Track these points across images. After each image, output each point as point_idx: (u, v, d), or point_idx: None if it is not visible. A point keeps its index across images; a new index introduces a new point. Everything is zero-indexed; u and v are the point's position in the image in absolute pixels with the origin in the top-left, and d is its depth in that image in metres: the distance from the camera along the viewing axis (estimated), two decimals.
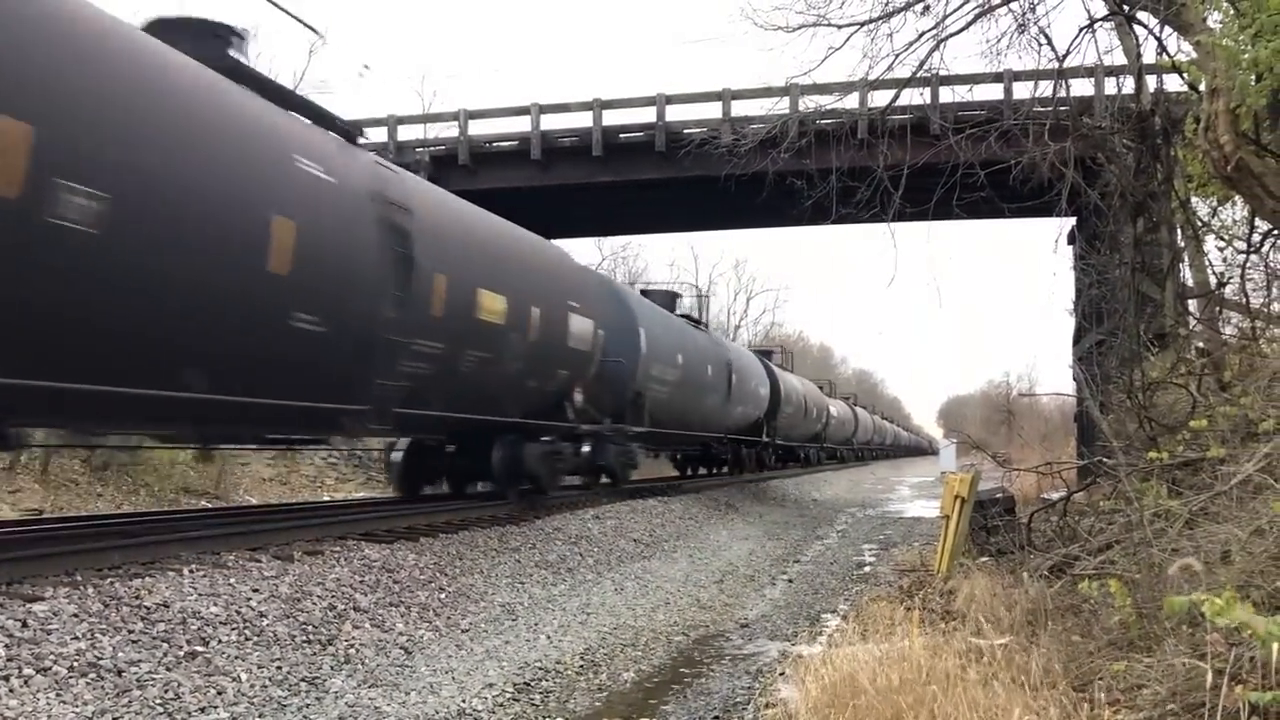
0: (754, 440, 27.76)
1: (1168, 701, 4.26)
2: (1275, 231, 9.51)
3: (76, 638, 5.47)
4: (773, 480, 28.30)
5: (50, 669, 5.10)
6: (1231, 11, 8.20)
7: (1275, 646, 3.41)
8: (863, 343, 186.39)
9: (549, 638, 7.98)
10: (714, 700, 6.33)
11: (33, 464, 15.44)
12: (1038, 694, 4.54)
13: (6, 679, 4.89)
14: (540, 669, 6.97)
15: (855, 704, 4.43)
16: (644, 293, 20.83)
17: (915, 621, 6.03)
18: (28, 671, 5.00)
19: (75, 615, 5.67)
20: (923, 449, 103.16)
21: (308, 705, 5.77)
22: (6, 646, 5.11)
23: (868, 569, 12.62)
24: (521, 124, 21.73)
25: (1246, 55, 7.65)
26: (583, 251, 54.43)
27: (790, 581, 11.75)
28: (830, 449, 45.45)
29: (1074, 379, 16.25)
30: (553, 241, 16.02)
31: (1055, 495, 11.35)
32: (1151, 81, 12.82)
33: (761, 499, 23.30)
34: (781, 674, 6.75)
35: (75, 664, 5.24)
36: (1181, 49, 10.52)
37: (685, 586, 11.02)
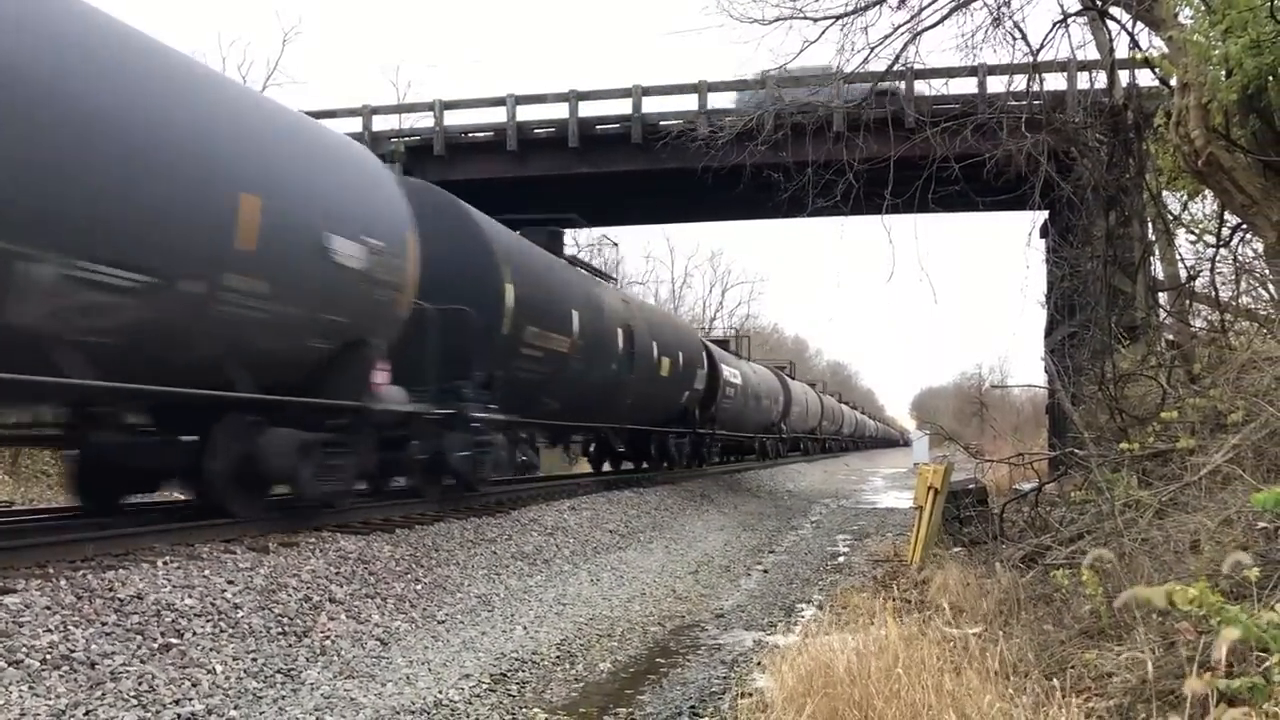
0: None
1: (1138, 689, 4.32)
2: (1244, 226, 9.63)
3: (49, 630, 5.42)
4: (748, 471, 28.39)
5: (23, 662, 5.06)
6: (1202, 8, 8.28)
7: (1221, 636, 3.47)
8: (837, 335, 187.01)
9: (525, 629, 7.99)
10: (690, 690, 6.36)
11: (2, 456, 15.27)
12: (1009, 682, 4.59)
13: None
14: (517, 660, 6.98)
15: (829, 692, 4.46)
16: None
17: (890, 611, 6.08)
18: (0, 665, 4.96)
19: (48, 608, 5.62)
20: (893, 440, 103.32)
21: (283, 697, 5.76)
22: None
23: (842, 559, 12.70)
24: (497, 115, 21.67)
25: (1217, 51, 7.74)
26: None
27: (765, 572, 11.81)
28: (734, 438, 28.82)
29: (1045, 371, 16.40)
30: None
31: (1027, 486, 11.47)
32: (1124, 76, 12.96)
33: (737, 490, 23.39)
34: (758, 664, 6.79)
35: (48, 657, 5.19)
36: (1153, 44, 10.64)
37: (661, 577, 11.06)
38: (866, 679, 4.43)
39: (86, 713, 4.90)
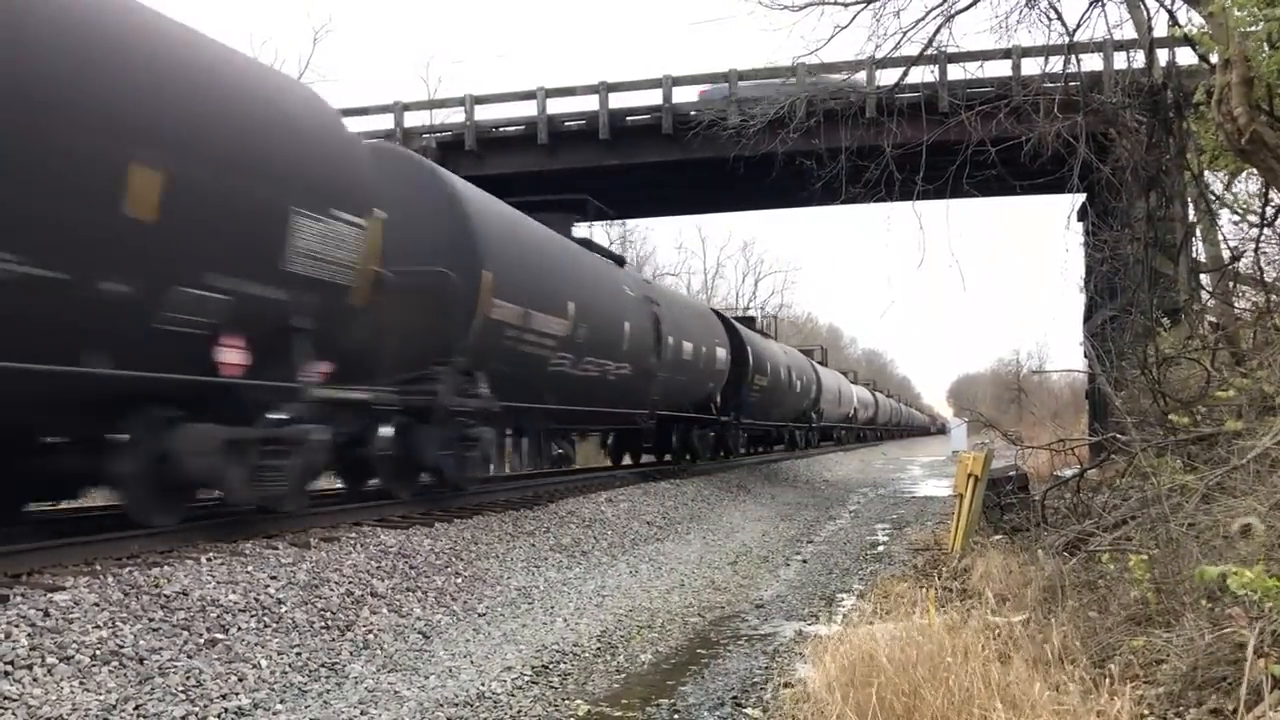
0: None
1: (1188, 676, 4.26)
2: None
3: (98, 626, 5.50)
4: (784, 461, 28.30)
5: (73, 658, 5.13)
6: None
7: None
8: (872, 323, 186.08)
9: (565, 620, 8.00)
10: (731, 680, 6.34)
11: None
12: (1057, 670, 4.54)
13: (30, 668, 4.92)
14: (558, 651, 7.00)
15: (874, 682, 4.43)
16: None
17: (932, 599, 6.03)
18: (51, 660, 5.03)
19: (96, 604, 5.70)
20: (925, 428, 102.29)
21: (328, 691, 5.81)
22: (30, 636, 5.14)
23: (881, 548, 12.63)
24: (528, 108, 21.70)
25: (1260, 25, 7.59)
26: (590, 234, 54.20)
27: (804, 562, 11.76)
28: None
29: (1085, 355, 16.20)
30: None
31: (1068, 472, 11.34)
32: (1163, 55, 12.75)
33: (774, 480, 23.32)
34: (799, 654, 6.77)
35: (98, 652, 5.27)
36: (1192, 20, 10.45)
37: (699, 568, 11.05)
38: (911, 669, 4.39)
39: (136, 707, 4.96)
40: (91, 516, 9.31)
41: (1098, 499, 9.44)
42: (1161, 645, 4.68)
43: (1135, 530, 7.05)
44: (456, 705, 5.69)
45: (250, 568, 6.99)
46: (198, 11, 56.21)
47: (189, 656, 5.62)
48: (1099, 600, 6.04)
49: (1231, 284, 11.94)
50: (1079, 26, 12.03)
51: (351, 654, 6.47)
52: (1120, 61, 15.63)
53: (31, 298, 6.03)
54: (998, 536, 9.67)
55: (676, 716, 5.66)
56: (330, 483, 11.73)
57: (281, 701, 5.53)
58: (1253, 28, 7.69)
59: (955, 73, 17.78)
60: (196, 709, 5.16)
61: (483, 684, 6.12)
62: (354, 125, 22.22)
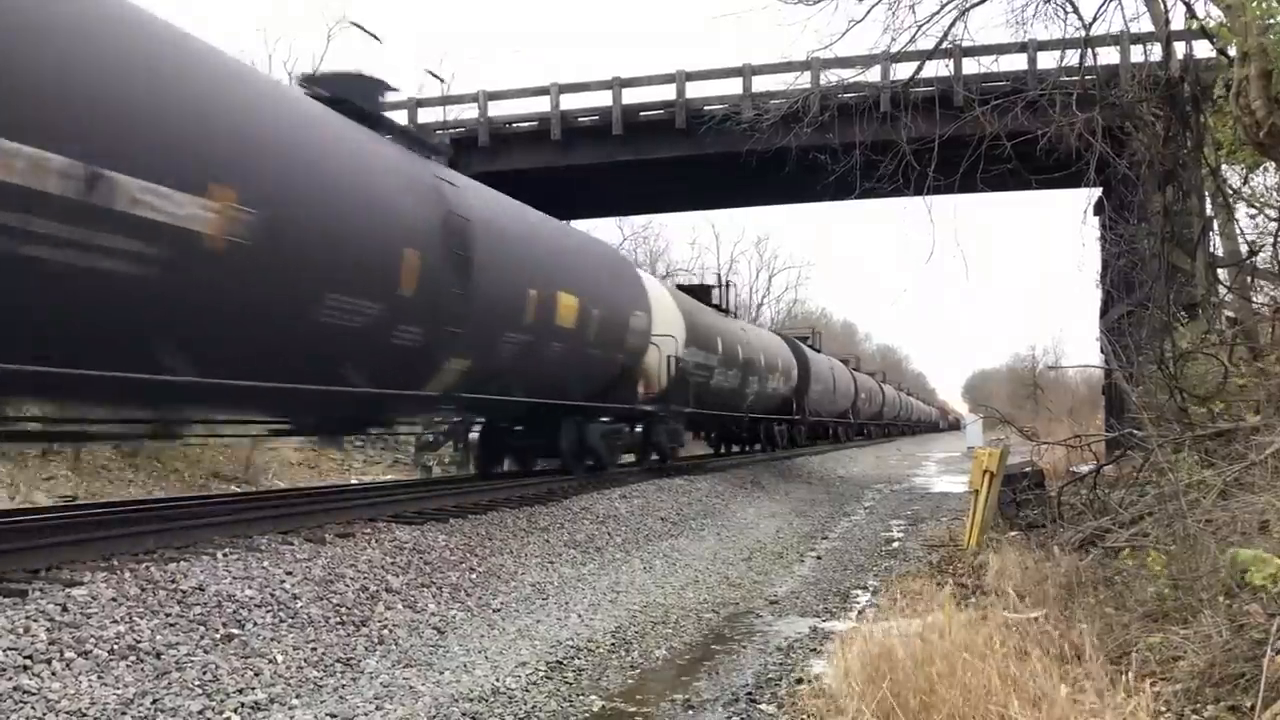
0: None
1: (1206, 672, 4.23)
2: None
3: (115, 621, 5.53)
4: (798, 458, 28.23)
5: (91, 652, 5.16)
6: None
7: None
8: (886, 318, 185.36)
9: (580, 616, 8.01)
10: (746, 676, 6.34)
11: (65, 451, 15.60)
12: (1074, 666, 4.52)
13: (49, 662, 4.95)
14: (572, 647, 7.00)
15: (893, 678, 4.42)
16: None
17: (949, 596, 6.01)
18: (69, 655, 5.06)
19: (114, 599, 5.73)
20: (939, 424, 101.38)
21: (343, 686, 5.83)
22: (48, 630, 5.17)
23: (896, 545, 12.60)
24: (541, 104, 21.69)
25: (1278, 17, 7.53)
26: (604, 231, 54.23)
27: (819, 558, 11.75)
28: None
29: (1102, 351, 16.11)
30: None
31: (1085, 468, 11.29)
32: (1180, 48, 12.65)
33: (788, 476, 23.28)
34: (814, 650, 6.76)
35: (115, 647, 5.29)
36: (1210, 13, 10.38)
37: (714, 564, 11.04)
38: (927, 665, 4.38)
39: (153, 702, 4.99)
40: (97, 514, 9.37)
41: (1114, 495, 9.40)
42: (1179, 642, 4.66)
43: (1152, 526, 7.01)
44: (471, 700, 5.71)
45: (266, 563, 7.02)
46: (207, 8, 56.23)
47: (205, 651, 5.64)
48: (1115, 597, 6.02)
49: (1249, 278, 11.87)
50: (1095, 20, 12.04)
51: (367, 649, 6.49)
52: (1137, 55, 15.54)
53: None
54: (1014, 533, 9.64)
55: (691, 712, 5.66)
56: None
57: (297, 697, 5.55)
58: (1271, 20, 7.62)
59: (970, 67, 17.73)
60: (213, 704, 5.18)
61: (497, 679, 6.13)
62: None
